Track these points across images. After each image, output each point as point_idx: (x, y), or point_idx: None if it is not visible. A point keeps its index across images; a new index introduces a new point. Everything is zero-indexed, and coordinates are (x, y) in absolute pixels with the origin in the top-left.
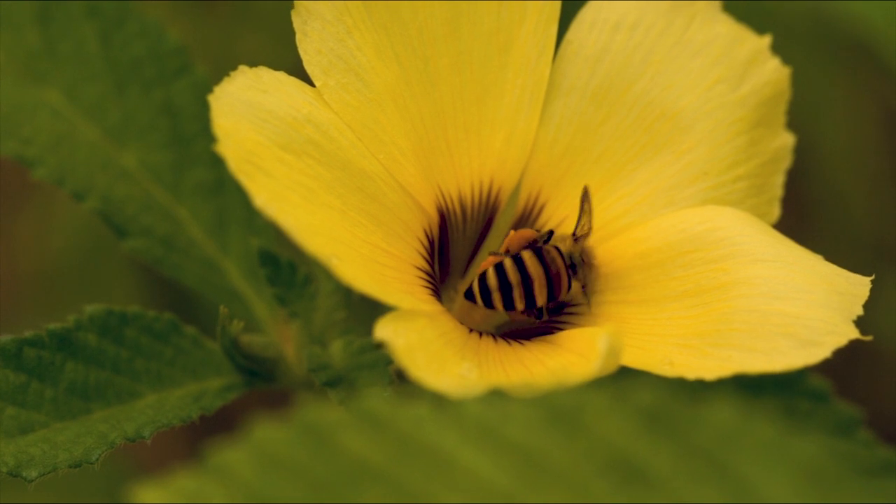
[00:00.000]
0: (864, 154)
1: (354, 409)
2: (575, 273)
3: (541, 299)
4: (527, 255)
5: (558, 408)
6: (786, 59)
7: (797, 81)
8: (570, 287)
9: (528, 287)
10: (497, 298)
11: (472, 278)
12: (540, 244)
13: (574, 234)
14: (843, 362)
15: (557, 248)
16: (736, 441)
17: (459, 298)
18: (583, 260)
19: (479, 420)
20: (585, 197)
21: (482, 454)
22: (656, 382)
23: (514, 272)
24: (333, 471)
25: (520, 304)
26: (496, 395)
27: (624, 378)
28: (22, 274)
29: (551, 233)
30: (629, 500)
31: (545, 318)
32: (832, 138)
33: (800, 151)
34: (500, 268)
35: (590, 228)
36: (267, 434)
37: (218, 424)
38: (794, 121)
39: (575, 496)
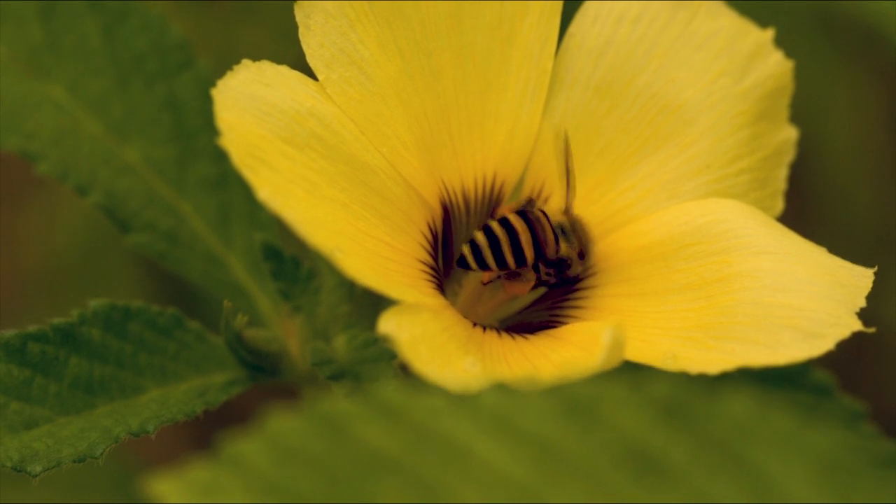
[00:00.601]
0: (867, 149)
1: (370, 400)
2: (567, 238)
3: (529, 254)
4: (510, 215)
5: (574, 399)
6: (789, 54)
7: (801, 76)
8: (558, 247)
9: (516, 242)
10: (489, 255)
11: (475, 271)
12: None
13: (565, 210)
14: (846, 357)
15: (542, 211)
16: (752, 433)
17: (463, 292)
18: (574, 228)
19: (495, 411)
20: (567, 149)
21: (498, 445)
22: (671, 374)
23: (500, 228)
24: (349, 461)
25: (510, 259)
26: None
27: (637, 371)
28: (26, 270)
29: (531, 200)
30: (645, 491)
31: (544, 277)
32: (835, 133)
33: (803, 146)
34: (486, 227)
35: (572, 182)
36: (282, 425)
37: (222, 422)
38: (798, 115)
39: (591, 487)
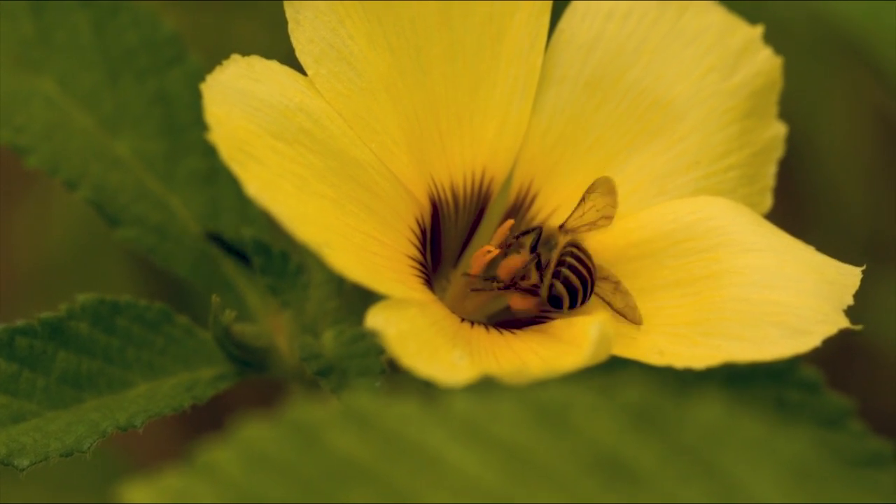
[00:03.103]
0: (858, 147)
1: (342, 407)
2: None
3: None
4: (570, 260)
5: (545, 406)
6: (780, 52)
7: (794, 77)
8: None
9: (585, 283)
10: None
11: (464, 268)
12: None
13: (563, 227)
14: (836, 359)
15: (577, 246)
16: (722, 439)
17: (451, 287)
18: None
19: (467, 418)
20: (597, 189)
21: (469, 452)
22: (644, 378)
23: (576, 278)
24: (321, 469)
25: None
26: (484, 392)
27: (615, 370)
28: (20, 267)
29: (540, 230)
30: (616, 497)
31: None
32: (828, 133)
33: (796, 145)
34: (566, 281)
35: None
36: (254, 433)
37: (212, 414)
38: (791, 115)
39: (562, 494)
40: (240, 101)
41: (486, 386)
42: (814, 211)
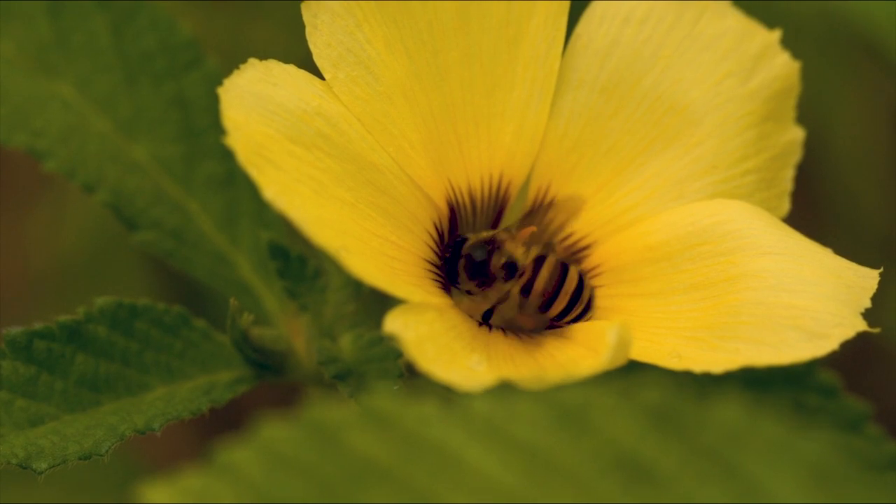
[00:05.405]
0: (874, 150)
1: (361, 408)
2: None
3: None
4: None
5: (565, 407)
6: (796, 55)
7: (809, 79)
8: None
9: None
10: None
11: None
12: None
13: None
14: (853, 361)
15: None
16: (743, 440)
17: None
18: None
19: (486, 419)
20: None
21: (489, 453)
22: (664, 380)
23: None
24: (340, 469)
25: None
26: (503, 393)
27: (632, 373)
28: (34, 270)
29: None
30: (636, 499)
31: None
32: (844, 135)
33: (810, 147)
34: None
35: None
36: (274, 433)
37: (228, 417)
38: (806, 117)
39: (581, 495)
40: (258, 106)
41: (506, 387)
42: (829, 213)
